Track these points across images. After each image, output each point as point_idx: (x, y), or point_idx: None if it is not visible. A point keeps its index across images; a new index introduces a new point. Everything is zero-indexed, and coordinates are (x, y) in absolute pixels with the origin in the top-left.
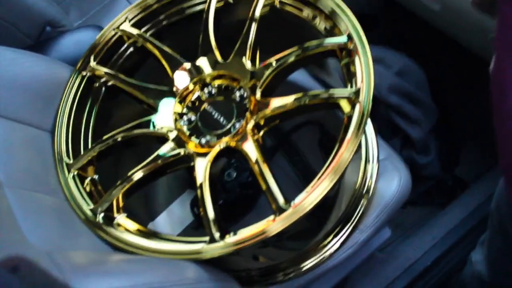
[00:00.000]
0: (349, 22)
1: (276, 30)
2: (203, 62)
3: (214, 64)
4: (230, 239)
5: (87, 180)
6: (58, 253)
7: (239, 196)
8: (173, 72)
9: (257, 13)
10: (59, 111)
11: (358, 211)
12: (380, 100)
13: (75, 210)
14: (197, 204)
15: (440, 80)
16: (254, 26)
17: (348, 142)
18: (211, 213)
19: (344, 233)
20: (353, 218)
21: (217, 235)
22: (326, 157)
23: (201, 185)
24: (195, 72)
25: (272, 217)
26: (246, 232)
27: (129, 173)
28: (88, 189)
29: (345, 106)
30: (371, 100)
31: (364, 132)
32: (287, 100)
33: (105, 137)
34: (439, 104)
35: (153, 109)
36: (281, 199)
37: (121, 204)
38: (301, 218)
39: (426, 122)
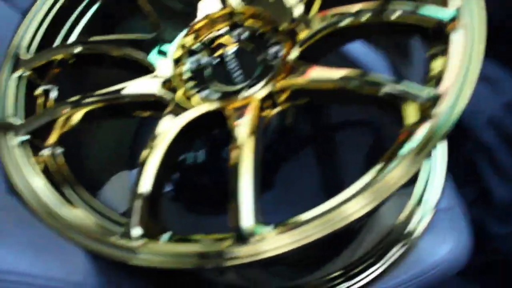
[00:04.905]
0: None
1: None
2: None
3: None
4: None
5: (40, 89)
6: None
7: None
8: None
9: None
10: None
11: (383, 261)
12: (469, 132)
13: None
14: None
15: None
16: None
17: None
18: (141, 197)
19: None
20: (371, 270)
21: (136, 231)
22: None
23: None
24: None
25: (230, 239)
26: (179, 248)
27: (96, 93)
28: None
29: (410, 114)
30: (455, 119)
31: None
32: (331, 74)
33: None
34: None
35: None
36: (247, 220)
37: (62, 131)
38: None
39: None
